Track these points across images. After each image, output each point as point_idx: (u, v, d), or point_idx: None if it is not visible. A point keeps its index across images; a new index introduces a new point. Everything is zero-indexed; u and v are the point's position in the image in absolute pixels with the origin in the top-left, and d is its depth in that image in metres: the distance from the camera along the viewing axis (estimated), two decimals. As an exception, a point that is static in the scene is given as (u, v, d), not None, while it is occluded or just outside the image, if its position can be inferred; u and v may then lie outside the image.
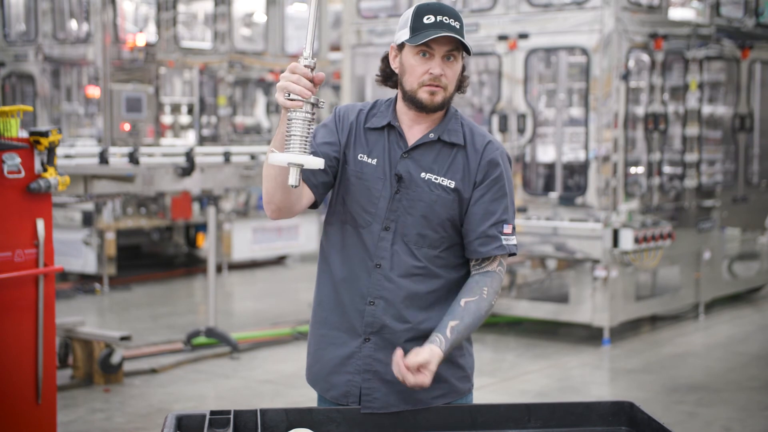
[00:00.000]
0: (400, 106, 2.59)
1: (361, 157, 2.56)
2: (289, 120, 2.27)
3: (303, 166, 2.25)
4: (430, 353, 2.39)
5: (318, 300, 2.67)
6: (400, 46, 2.52)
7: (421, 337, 2.52)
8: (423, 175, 2.54)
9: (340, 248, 2.60)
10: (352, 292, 2.58)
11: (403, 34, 2.49)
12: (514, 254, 2.59)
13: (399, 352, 2.41)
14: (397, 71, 2.56)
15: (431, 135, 2.55)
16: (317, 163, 2.26)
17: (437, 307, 2.57)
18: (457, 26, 2.46)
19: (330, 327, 2.62)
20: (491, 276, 2.55)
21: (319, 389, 2.65)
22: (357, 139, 2.58)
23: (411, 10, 2.50)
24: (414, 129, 2.57)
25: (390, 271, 2.54)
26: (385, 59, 2.60)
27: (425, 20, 2.44)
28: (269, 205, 2.50)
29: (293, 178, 2.25)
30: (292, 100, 2.27)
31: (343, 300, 2.59)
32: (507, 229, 2.56)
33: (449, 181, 2.54)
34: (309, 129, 2.27)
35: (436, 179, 2.54)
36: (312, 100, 2.27)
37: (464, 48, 2.48)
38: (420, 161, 2.54)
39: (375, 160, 2.56)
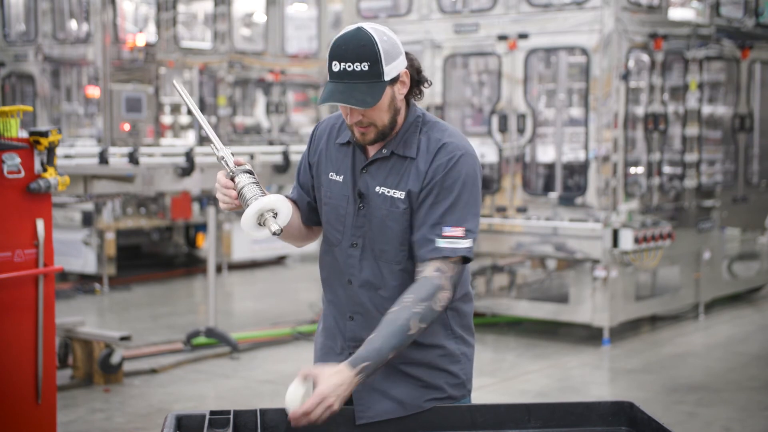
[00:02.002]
0: None
1: (331, 175, 2.58)
2: (237, 190, 2.46)
3: (268, 209, 2.40)
4: (330, 380, 2.29)
5: (323, 305, 2.73)
6: None
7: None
8: (377, 189, 2.52)
9: (323, 266, 2.66)
10: (336, 308, 2.62)
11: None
12: (464, 257, 2.45)
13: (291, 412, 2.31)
14: None
15: (384, 151, 2.53)
16: (277, 199, 2.41)
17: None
18: (365, 68, 2.37)
19: (327, 337, 2.66)
20: (421, 282, 2.41)
21: None
22: (327, 157, 2.61)
23: (331, 44, 2.46)
24: (375, 144, 2.55)
25: (359, 288, 2.55)
26: None
27: (333, 67, 2.40)
28: (294, 245, 2.78)
29: (273, 228, 2.39)
30: (224, 201, 2.49)
31: (332, 315, 2.64)
32: (448, 231, 2.44)
33: (400, 192, 2.49)
34: (255, 186, 2.43)
35: (388, 192, 2.51)
36: (234, 174, 2.46)
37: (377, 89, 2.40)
38: (376, 176, 2.53)
39: (342, 177, 2.57)
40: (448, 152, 2.48)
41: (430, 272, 2.42)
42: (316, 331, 2.75)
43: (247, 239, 11.52)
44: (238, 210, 2.47)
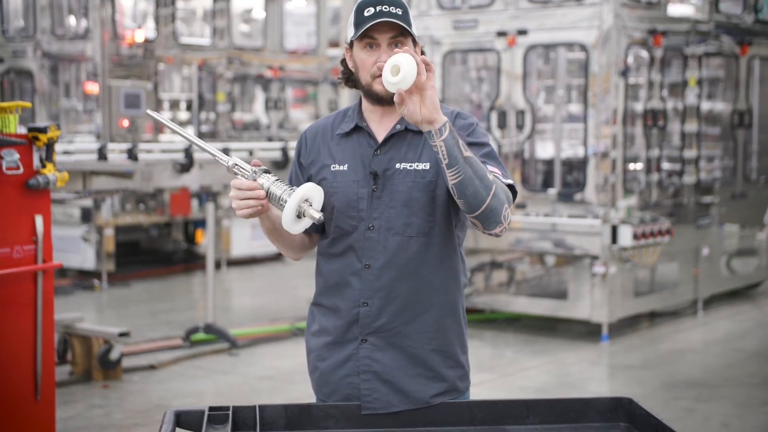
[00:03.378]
0: (365, 105, 2.61)
1: (333, 167, 2.59)
2: (265, 190, 2.43)
3: (307, 201, 2.40)
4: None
5: (313, 309, 2.70)
6: (351, 45, 2.55)
7: (420, 331, 2.54)
8: (398, 165, 2.54)
9: (328, 257, 2.63)
10: (344, 296, 2.59)
11: (350, 33, 2.52)
12: (512, 187, 2.50)
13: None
14: (353, 70, 2.59)
15: (398, 126, 2.56)
16: (310, 187, 2.42)
17: (435, 297, 2.56)
18: (399, 12, 2.46)
19: (326, 333, 2.63)
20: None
21: (322, 395, 2.65)
22: (327, 151, 2.62)
23: (354, 6, 2.52)
24: (384, 124, 2.59)
25: (380, 269, 2.54)
26: (344, 61, 2.63)
27: (365, 13, 2.46)
28: (292, 256, 2.74)
29: (315, 215, 2.40)
30: (250, 206, 2.44)
31: (337, 305, 2.60)
32: (492, 168, 2.48)
33: (424, 164, 2.52)
34: (280, 182, 2.43)
35: (411, 166, 2.54)
36: (257, 175, 2.44)
37: (409, 33, 2.48)
38: (393, 154, 2.55)
39: (346, 165, 2.58)
40: (464, 117, 2.58)
41: None
42: (308, 333, 2.71)
43: (246, 236, 11.52)
44: (262, 213, 2.45)
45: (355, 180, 2.56)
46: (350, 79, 2.62)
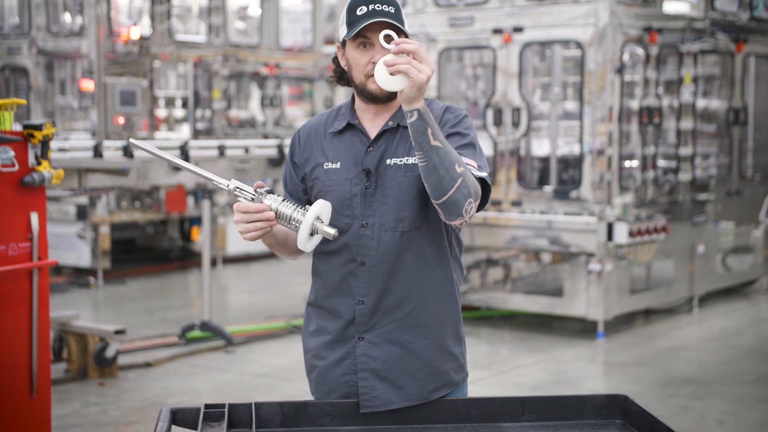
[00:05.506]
0: (358, 103, 2.61)
1: (326, 165, 2.59)
2: (273, 211, 2.40)
3: (319, 219, 2.40)
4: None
5: (309, 309, 2.70)
6: (343, 43, 2.55)
7: (415, 325, 2.55)
8: (389, 161, 2.55)
9: (323, 257, 2.62)
10: (341, 295, 2.59)
11: (342, 32, 2.51)
12: (484, 181, 2.49)
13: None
14: (345, 69, 2.58)
15: (390, 123, 2.57)
16: (322, 205, 2.41)
17: (429, 291, 2.57)
18: (392, 11, 2.46)
19: (324, 333, 2.63)
20: None
21: (320, 394, 2.64)
22: (318, 151, 2.62)
23: (346, 4, 2.51)
24: (376, 121, 2.59)
25: (374, 265, 2.55)
26: (336, 59, 2.62)
27: (358, 12, 2.45)
28: (290, 258, 2.75)
29: (330, 232, 2.40)
30: (258, 228, 2.41)
31: (333, 305, 2.60)
32: (468, 160, 2.49)
33: (413, 158, 2.52)
34: (286, 202, 2.42)
35: (400, 161, 2.54)
36: (262, 197, 2.41)
37: (402, 31, 2.47)
38: (384, 150, 2.56)
39: (338, 163, 2.58)
40: (453, 111, 2.59)
41: None
42: (305, 332, 2.71)
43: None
44: (265, 233, 2.43)
45: (348, 178, 2.56)
46: (343, 77, 2.62)
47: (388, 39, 2.37)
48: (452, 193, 2.36)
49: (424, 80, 2.27)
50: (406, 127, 2.53)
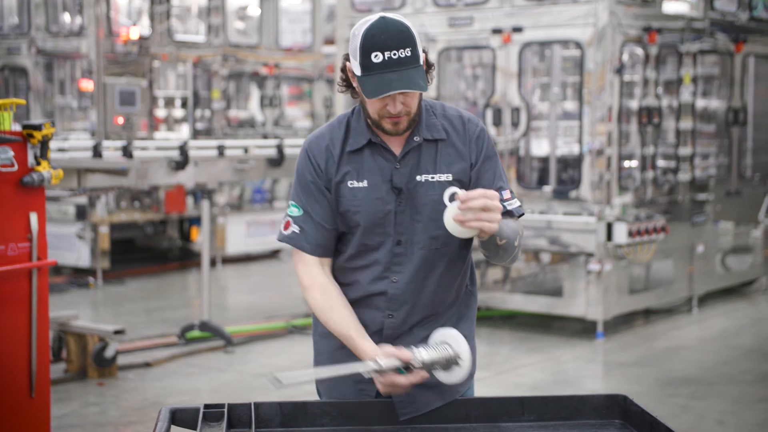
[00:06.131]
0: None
1: (351, 184, 2.52)
2: (427, 369, 2.38)
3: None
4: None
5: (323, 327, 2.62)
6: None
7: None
8: (419, 178, 2.51)
9: (347, 271, 2.57)
10: (369, 307, 2.56)
11: (355, 66, 2.40)
12: (522, 215, 2.57)
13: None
14: (355, 88, 2.49)
15: (416, 139, 2.51)
16: (462, 349, 2.40)
17: (451, 296, 2.61)
18: (408, 53, 2.36)
19: (343, 345, 2.55)
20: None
21: (328, 399, 2.61)
22: (339, 168, 2.52)
23: (359, 38, 2.37)
24: (395, 137, 2.52)
25: (406, 283, 2.53)
26: (344, 69, 2.51)
27: (373, 59, 2.34)
28: None
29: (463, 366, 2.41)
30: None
31: (360, 317, 2.53)
32: (506, 195, 2.53)
33: (445, 175, 2.51)
34: (423, 349, 2.39)
35: (432, 178, 2.51)
36: (416, 364, 2.37)
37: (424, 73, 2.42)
38: (412, 167, 2.51)
39: (365, 181, 2.51)
40: (474, 124, 2.58)
41: None
42: (316, 334, 2.68)
43: (241, 233, 11.51)
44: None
45: (379, 197, 2.50)
46: (350, 86, 2.52)
47: (452, 196, 2.33)
48: (515, 256, 2.49)
49: (496, 228, 2.30)
50: (428, 140, 2.52)
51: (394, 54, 2.35)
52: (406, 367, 2.35)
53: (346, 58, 2.48)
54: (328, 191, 2.53)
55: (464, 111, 2.61)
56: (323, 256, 2.56)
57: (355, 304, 2.55)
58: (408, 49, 2.36)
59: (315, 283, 2.53)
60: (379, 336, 2.54)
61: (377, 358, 2.36)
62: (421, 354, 2.36)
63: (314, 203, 2.54)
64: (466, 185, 2.51)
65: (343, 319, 2.49)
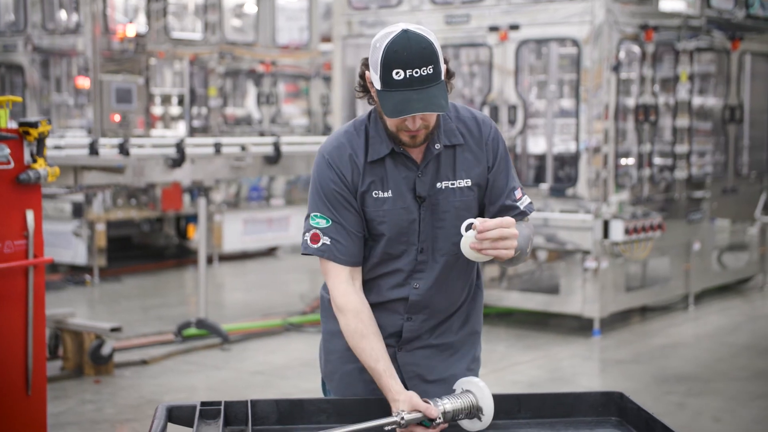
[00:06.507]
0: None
1: (375, 194, 2.50)
2: (450, 419, 2.39)
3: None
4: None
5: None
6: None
7: (449, 329, 2.65)
8: (439, 185, 2.51)
9: (366, 280, 2.56)
10: (388, 311, 2.57)
11: (375, 79, 2.36)
12: (532, 211, 2.62)
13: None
14: (373, 95, 2.45)
15: (437, 147, 2.50)
16: (484, 395, 2.40)
17: (462, 296, 2.65)
18: (430, 71, 2.32)
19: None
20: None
21: (339, 396, 2.63)
22: (364, 178, 2.49)
23: (380, 52, 2.32)
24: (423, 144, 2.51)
25: (427, 290, 2.55)
26: (363, 75, 2.48)
27: (395, 76, 2.30)
28: None
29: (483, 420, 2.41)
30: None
31: (377, 320, 2.53)
32: (518, 194, 2.58)
33: (465, 180, 2.52)
34: (447, 400, 2.39)
35: (452, 185, 2.51)
36: (439, 421, 2.37)
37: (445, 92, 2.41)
38: (432, 174, 2.51)
39: (389, 191, 2.50)
40: (486, 124, 2.59)
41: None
42: (327, 332, 2.68)
43: (238, 231, 11.51)
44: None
45: (404, 207, 2.50)
46: (368, 92, 2.49)
47: (469, 226, 2.33)
48: (521, 263, 2.52)
49: (512, 255, 2.32)
50: (446, 146, 2.52)
51: (416, 72, 2.30)
52: (431, 419, 2.35)
53: (365, 64, 2.45)
54: (354, 200, 2.51)
55: (476, 111, 2.60)
56: (356, 265, 2.53)
57: (374, 307, 2.55)
58: (430, 66, 2.32)
59: (350, 307, 2.48)
60: (397, 338, 2.59)
61: (402, 414, 2.32)
62: (445, 406, 2.36)
63: (344, 212, 2.50)
64: (483, 189, 2.55)
65: (374, 351, 2.45)
